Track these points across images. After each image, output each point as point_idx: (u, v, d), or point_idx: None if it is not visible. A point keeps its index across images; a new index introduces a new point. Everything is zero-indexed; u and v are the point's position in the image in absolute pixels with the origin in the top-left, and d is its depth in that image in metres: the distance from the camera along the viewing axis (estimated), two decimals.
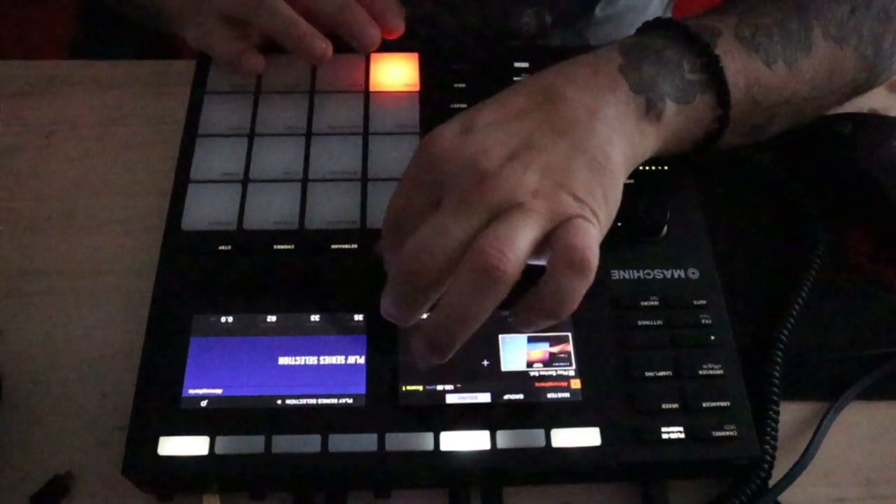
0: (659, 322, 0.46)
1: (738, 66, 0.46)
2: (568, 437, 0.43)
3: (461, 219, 0.38)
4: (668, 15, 0.85)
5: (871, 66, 0.52)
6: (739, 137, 0.50)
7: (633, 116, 0.43)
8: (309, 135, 0.54)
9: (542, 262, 0.39)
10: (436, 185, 0.40)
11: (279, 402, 0.44)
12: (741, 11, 0.49)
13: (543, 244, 0.39)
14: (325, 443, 0.42)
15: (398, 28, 0.55)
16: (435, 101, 0.55)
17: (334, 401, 0.44)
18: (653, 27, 0.48)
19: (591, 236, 0.39)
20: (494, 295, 0.38)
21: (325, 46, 0.52)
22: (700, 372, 0.45)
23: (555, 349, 0.45)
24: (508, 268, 0.37)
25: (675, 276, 0.48)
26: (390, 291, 0.40)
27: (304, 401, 0.44)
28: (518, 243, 0.37)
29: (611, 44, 0.46)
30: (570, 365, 0.45)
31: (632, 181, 0.44)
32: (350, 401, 0.44)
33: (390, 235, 0.42)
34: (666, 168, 0.52)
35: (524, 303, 0.39)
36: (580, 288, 0.38)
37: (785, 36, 0.48)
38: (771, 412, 0.46)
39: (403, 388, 0.44)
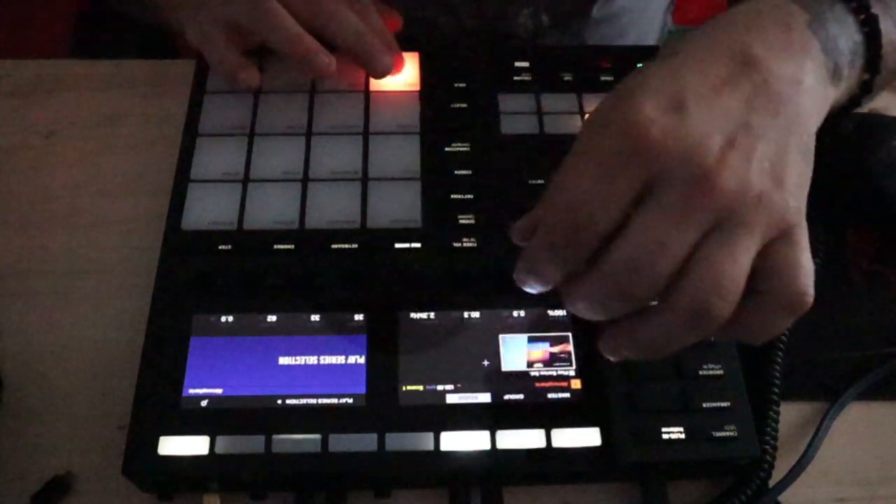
0: None
1: (886, 28, 0.42)
2: (568, 437, 0.43)
3: (682, 230, 0.33)
4: (668, 14, 0.84)
5: None
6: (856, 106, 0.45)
7: (824, 82, 0.38)
8: (309, 134, 0.54)
9: None
10: (641, 178, 0.34)
11: (279, 401, 0.44)
12: None
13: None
14: (325, 443, 0.42)
15: (396, 22, 0.56)
16: (435, 101, 0.56)
17: (334, 401, 0.44)
18: None
19: (807, 259, 0.35)
20: (705, 334, 0.35)
21: (328, 62, 0.52)
22: (700, 372, 0.45)
23: (555, 349, 0.45)
24: (728, 310, 0.34)
25: None
26: (586, 299, 0.36)
27: (304, 401, 0.44)
28: (739, 278, 0.34)
29: None
30: (571, 365, 0.45)
31: None
32: (350, 401, 0.44)
33: (564, 235, 0.35)
34: None
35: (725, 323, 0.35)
36: (791, 322, 0.35)
37: None
38: (771, 412, 0.46)
39: (403, 388, 0.44)
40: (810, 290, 0.35)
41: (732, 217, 0.33)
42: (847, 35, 0.40)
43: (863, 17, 0.40)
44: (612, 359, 0.38)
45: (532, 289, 0.38)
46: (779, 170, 0.34)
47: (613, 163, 0.34)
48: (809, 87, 0.37)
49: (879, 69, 0.42)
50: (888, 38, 0.42)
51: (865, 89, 0.43)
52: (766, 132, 0.35)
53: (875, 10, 0.41)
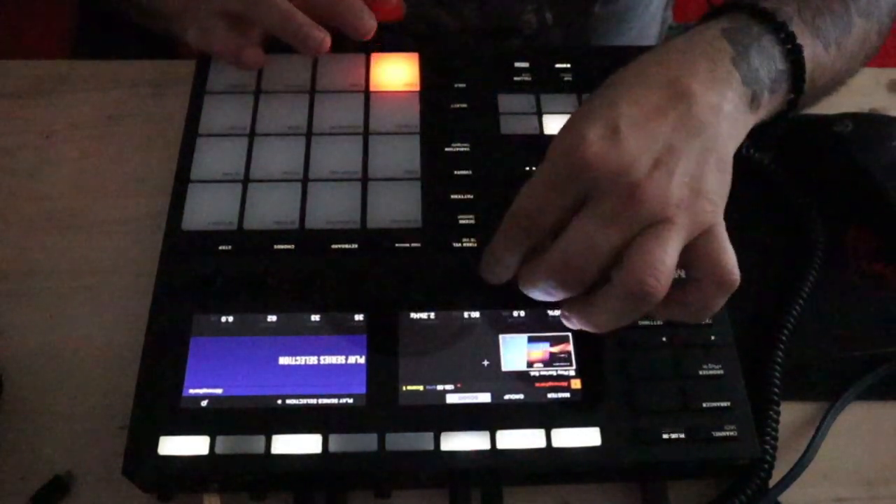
0: (659, 322, 0.46)
1: (808, 53, 0.47)
2: (568, 437, 0.43)
3: (612, 230, 0.39)
4: (668, 10, 0.85)
5: (885, 34, 0.54)
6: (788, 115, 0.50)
7: (743, 109, 0.44)
8: (309, 135, 0.54)
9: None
10: (581, 190, 0.40)
11: (279, 401, 0.44)
12: None
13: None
14: (325, 443, 0.42)
15: (397, 8, 0.55)
16: (435, 101, 0.56)
17: (335, 401, 0.44)
18: (738, 8, 0.48)
19: (730, 247, 0.41)
20: (642, 312, 0.41)
21: (322, 37, 0.52)
22: (700, 372, 0.45)
23: (555, 349, 0.45)
24: (661, 290, 0.39)
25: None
26: (535, 286, 0.42)
27: (304, 401, 0.44)
28: (669, 263, 0.39)
29: (710, 26, 0.46)
30: (571, 365, 0.45)
31: None
32: (350, 401, 0.44)
33: (516, 236, 0.42)
34: None
35: (665, 305, 0.41)
36: (725, 299, 0.41)
37: (833, 18, 0.50)
38: (771, 412, 0.46)
39: (404, 388, 0.44)
40: (735, 271, 0.41)
41: (659, 219, 0.40)
42: (769, 66, 0.46)
43: (789, 46, 0.46)
44: (570, 327, 0.45)
45: (494, 278, 0.45)
46: (697, 182, 0.41)
47: (557, 178, 0.41)
48: (728, 113, 0.43)
49: (803, 91, 0.48)
50: (816, 61, 0.48)
51: (791, 107, 0.48)
52: (687, 152, 0.41)
53: (802, 38, 0.47)
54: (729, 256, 0.41)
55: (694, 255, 0.41)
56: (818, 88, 0.51)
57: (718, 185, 0.42)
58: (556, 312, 0.46)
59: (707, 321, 0.46)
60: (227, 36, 0.54)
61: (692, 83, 0.42)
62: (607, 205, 0.39)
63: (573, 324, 0.44)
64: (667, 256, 0.39)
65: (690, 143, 0.41)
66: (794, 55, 0.46)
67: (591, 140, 0.40)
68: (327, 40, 0.52)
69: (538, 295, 0.43)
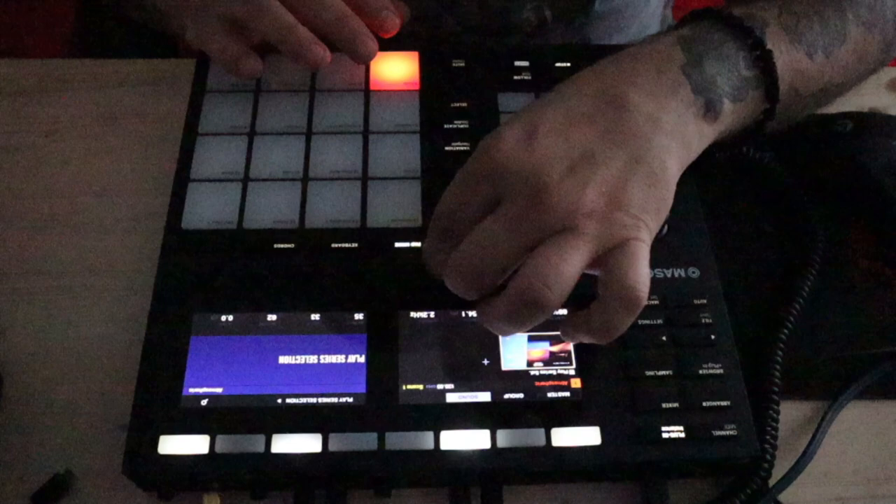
0: (659, 321, 0.46)
1: (785, 60, 0.46)
2: (568, 437, 0.43)
3: (514, 234, 0.39)
4: (668, 9, 0.85)
5: (890, 47, 0.53)
6: (776, 124, 0.49)
7: (692, 119, 0.43)
8: (309, 133, 0.54)
9: (595, 272, 0.41)
10: (492, 190, 0.40)
11: (279, 401, 0.44)
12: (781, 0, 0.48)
13: (595, 263, 0.40)
14: (325, 442, 0.42)
15: (393, 26, 0.55)
16: (435, 100, 0.56)
17: (335, 400, 0.44)
18: (703, 16, 0.47)
19: (642, 265, 0.40)
20: (534, 320, 0.40)
21: (322, 53, 0.52)
22: (700, 371, 0.45)
23: (555, 348, 0.45)
24: (551, 300, 0.38)
25: (676, 275, 0.48)
26: (448, 279, 0.42)
27: (304, 400, 0.44)
28: (565, 273, 0.38)
29: (668, 34, 0.46)
30: (571, 364, 0.45)
31: None
32: (350, 400, 0.44)
33: (439, 234, 0.43)
34: None
35: (572, 321, 0.41)
36: (629, 320, 0.40)
37: (823, 25, 0.49)
38: (771, 411, 0.46)
39: (404, 388, 0.44)
40: (641, 289, 0.39)
41: (564, 226, 0.39)
42: (729, 73, 0.44)
43: (757, 53, 0.45)
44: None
45: (433, 273, 0.44)
46: (617, 193, 0.40)
47: (471, 178, 0.41)
48: (668, 124, 0.42)
49: (778, 98, 0.46)
50: (796, 68, 0.47)
51: (768, 115, 0.47)
52: (608, 161, 0.40)
53: (776, 44, 0.45)
54: (637, 273, 0.39)
55: (603, 269, 0.40)
56: (804, 98, 0.49)
57: (643, 198, 0.40)
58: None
59: (707, 320, 0.46)
60: (227, 42, 0.53)
61: (629, 92, 0.41)
62: (513, 207, 0.39)
63: (479, 320, 0.43)
64: (564, 265, 0.38)
65: (614, 153, 0.40)
66: (763, 61, 0.45)
67: (507, 141, 0.40)
68: (327, 57, 0.52)
69: (453, 289, 0.42)
